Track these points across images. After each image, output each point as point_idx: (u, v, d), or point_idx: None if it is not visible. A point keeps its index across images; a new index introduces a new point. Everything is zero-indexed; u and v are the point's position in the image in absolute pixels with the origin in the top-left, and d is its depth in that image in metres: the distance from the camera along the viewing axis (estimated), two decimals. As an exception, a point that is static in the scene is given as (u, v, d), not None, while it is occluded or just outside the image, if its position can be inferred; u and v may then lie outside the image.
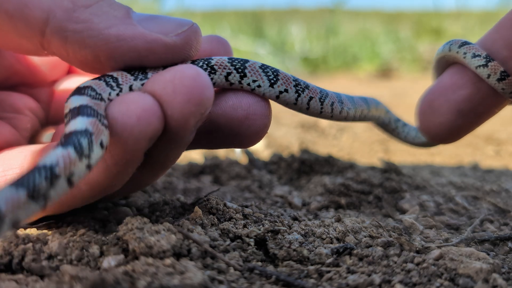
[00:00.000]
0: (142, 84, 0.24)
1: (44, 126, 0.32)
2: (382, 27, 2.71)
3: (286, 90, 0.26)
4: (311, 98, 0.27)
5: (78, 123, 0.19)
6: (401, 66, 2.11)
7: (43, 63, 0.31)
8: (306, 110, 0.27)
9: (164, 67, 0.24)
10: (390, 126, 0.35)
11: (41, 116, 0.31)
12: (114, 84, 0.23)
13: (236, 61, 0.25)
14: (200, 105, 0.21)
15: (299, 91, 0.26)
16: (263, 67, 0.26)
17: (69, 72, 0.34)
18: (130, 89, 0.23)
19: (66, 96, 0.32)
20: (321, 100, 0.27)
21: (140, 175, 0.24)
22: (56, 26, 0.21)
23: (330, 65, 2.14)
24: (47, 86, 0.32)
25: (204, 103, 0.21)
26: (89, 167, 0.18)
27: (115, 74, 0.23)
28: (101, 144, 0.19)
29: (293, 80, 0.26)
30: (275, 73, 0.26)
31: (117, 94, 0.23)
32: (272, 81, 0.25)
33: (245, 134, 0.25)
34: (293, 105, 0.27)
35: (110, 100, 0.22)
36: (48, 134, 0.32)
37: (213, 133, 0.25)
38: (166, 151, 0.24)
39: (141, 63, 0.23)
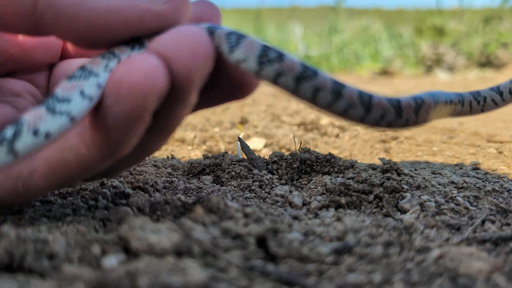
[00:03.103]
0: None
1: None
2: (384, 25, 2.69)
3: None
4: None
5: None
6: (403, 64, 2.10)
7: (36, 46, 0.31)
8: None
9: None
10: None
11: (40, 100, 0.31)
12: (111, 56, 0.23)
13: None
14: (205, 60, 0.22)
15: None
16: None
17: (62, 57, 0.34)
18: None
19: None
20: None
21: (147, 140, 0.25)
22: (46, 3, 0.22)
23: (332, 64, 2.13)
24: (43, 71, 0.33)
25: (208, 57, 0.22)
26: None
27: (111, 49, 0.24)
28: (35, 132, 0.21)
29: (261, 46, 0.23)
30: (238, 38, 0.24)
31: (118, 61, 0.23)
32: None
33: (241, 84, 0.26)
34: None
35: (109, 70, 0.23)
36: None
37: (209, 87, 0.25)
38: (172, 112, 0.24)
39: (134, 34, 0.23)
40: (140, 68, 0.21)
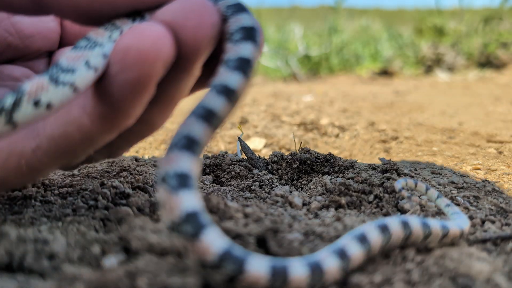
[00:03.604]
0: None
1: None
2: (384, 25, 2.70)
3: None
4: None
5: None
6: (403, 64, 2.10)
7: (34, 33, 0.31)
8: None
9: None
10: None
11: None
12: (113, 28, 0.23)
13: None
14: (211, 28, 0.22)
15: None
16: None
17: (61, 45, 0.34)
18: None
19: None
20: None
21: (149, 113, 0.25)
22: None
23: (332, 64, 2.13)
24: (42, 58, 0.33)
25: (214, 26, 0.22)
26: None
27: (112, 21, 0.23)
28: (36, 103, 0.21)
29: None
30: None
31: (121, 32, 0.23)
32: None
33: None
34: None
35: (112, 41, 0.22)
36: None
37: (209, 64, 0.25)
38: (176, 82, 0.24)
39: (135, 7, 0.23)
40: (147, 35, 0.21)
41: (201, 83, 0.27)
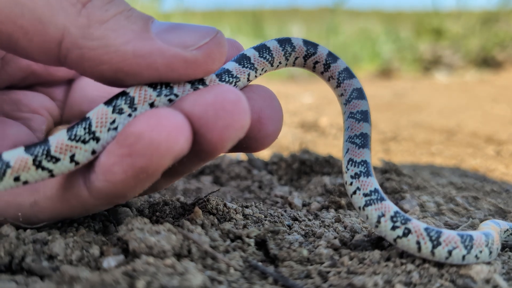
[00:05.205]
0: (169, 100, 0.22)
1: (58, 124, 0.32)
2: (382, 26, 2.71)
3: None
4: None
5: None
6: (401, 66, 2.11)
7: None
8: None
9: (191, 82, 0.23)
10: None
11: (56, 114, 0.32)
12: (125, 107, 0.22)
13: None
14: (240, 130, 0.21)
15: None
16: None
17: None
18: (152, 105, 0.22)
19: (82, 94, 0.31)
20: None
21: (155, 183, 0.24)
22: (71, 43, 0.21)
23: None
24: (62, 85, 0.33)
25: (243, 129, 0.21)
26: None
27: (131, 92, 0.22)
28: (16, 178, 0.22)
29: None
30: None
31: (129, 115, 0.22)
32: None
33: (256, 137, 0.25)
34: None
35: (112, 129, 0.22)
36: (59, 132, 0.33)
37: None
38: (191, 167, 0.24)
39: (161, 79, 0.22)
40: (164, 126, 0.20)
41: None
